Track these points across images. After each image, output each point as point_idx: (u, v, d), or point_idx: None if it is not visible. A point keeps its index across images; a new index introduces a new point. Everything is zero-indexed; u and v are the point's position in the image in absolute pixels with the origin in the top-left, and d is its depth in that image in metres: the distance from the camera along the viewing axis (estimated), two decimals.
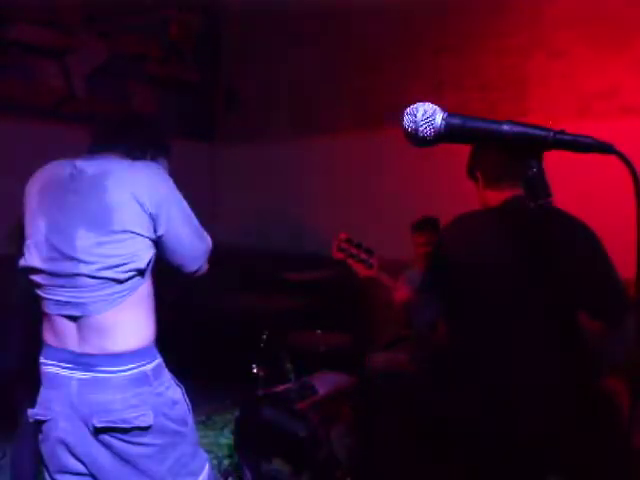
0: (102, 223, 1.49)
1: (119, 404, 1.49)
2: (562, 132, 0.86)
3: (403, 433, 2.64)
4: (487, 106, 3.49)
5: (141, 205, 1.50)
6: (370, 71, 4.23)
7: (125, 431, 1.50)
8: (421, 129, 0.85)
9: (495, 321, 1.57)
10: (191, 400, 1.72)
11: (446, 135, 0.85)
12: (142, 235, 1.52)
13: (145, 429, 1.51)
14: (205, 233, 1.71)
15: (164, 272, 1.65)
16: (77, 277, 1.50)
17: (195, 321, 4.22)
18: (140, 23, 4.83)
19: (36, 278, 1.55)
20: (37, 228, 1.54)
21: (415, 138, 0.85)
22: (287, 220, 4.74)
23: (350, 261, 2.24)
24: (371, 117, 4.21)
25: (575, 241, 1.56)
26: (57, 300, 1.53)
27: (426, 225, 3.22)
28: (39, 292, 1.57)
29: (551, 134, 0.86)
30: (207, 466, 1.69)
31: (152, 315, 1.62)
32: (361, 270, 2.23)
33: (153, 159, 1.72)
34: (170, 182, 1.61)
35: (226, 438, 3.44)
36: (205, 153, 5.38)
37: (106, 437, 1.50)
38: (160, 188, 1.56)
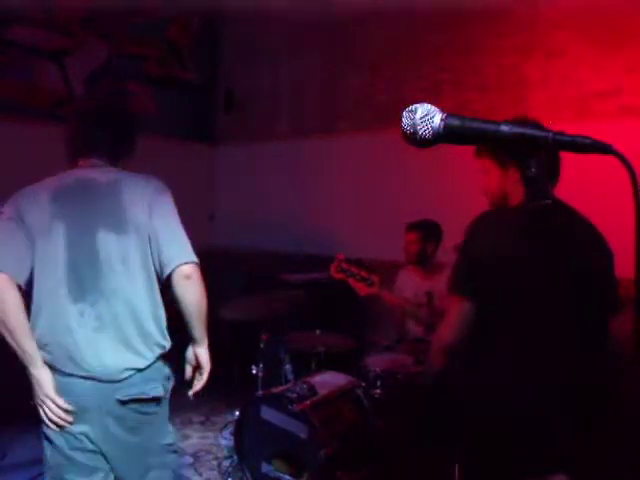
0: (119, 223, 1.71)
1: (139, 378, 1.71)
2: (561, 133, 0.86)
3: (403, 434, 2.64)
4: (486, 106, 3.49)
5: (146, 207, 1.73)
6: (370, 71, 4.23)
7: (142, 402, 1.72)
8: (420, 130, 0.84)
9: (531, 321, 1.54)
10: (191, 401, 1.84)
11: (445, 136, 0.85)
12: (146, 234, 1.72)
13: (157, 400, 1.76)
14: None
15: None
16: (99, 273, 1.68)
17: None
18: (139, 24, 4.83)
19: (59, 274, 1.68)
20: (56, 233, 1.68)
21: (414, 139, 0.85)
22: (287, 220, 4.74)
23: (351, 280, 2.26)
24: (371, 117, 4.21)
25: (594, 240, 1.59)
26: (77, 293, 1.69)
27: (420, 225, 3.22)
28: (59, 289, 1.68)
29: (550, 135, 0.85)
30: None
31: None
32: (362, 288, 2.25)
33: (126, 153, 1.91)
34: (169, 193, 1.83)
35: (226, 439, 3.44)
36: (205, 153, 5.38)
37: (123, 410, 1.69)
38: (162, 195, 1.80)
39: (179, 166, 5.00)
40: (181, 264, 1.70)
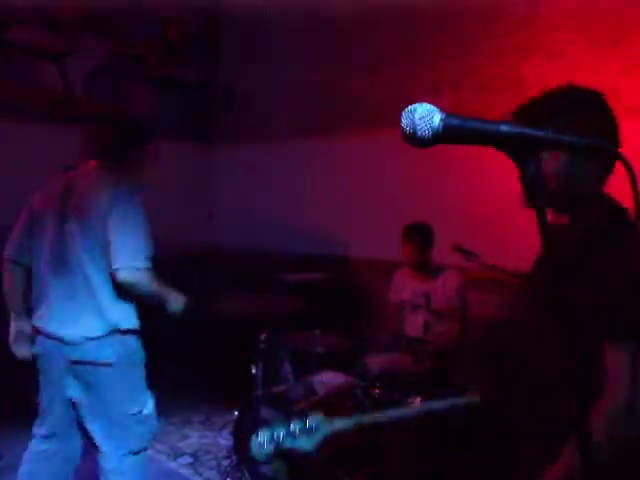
0: (88, 218, 2.08)
1: (91, 345, 2.10)
2: (560, 133, 0.86)
3: (402, 434, 2.64)
4: (485, 107, 3.49)
5: (107, 209, 2.08)
6: (370, 71, 4.24)
7: (94, 365, 2.10)
8: (419, 130, 0.84)
9: None
10: (190, 401, 1.81)
11: (444, 136, 0.84)
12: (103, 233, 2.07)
13: (107, 365, 2.11)
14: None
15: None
16: (71, 259, 2.09)
17: (194, 321, 4.21)
18: (139, 24, 4.83)
19: (46, 256, 2.15)
20: (47, 223, 2.13)
21: (413, 139, 0.85)
22: (286, 220, 4.74)
23: None
24: (371, 117, 4.21)
25: None
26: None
27: (417, 233, 3.20)
28: (45, 268, 2.15)
29: (549, 134, 0.85)
30: None
31: None
32: None
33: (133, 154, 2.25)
34: (133, 198, 2.13)
35: (225, 439, 3.44)
36: (204, 154, 5.38)
37: (77, 369, 2.11)
38: (124, 201, 2.10)
39: (178, 166, 5.00)
40: (119, 268, 2.03)
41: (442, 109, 0.85)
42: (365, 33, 4.26)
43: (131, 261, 2.03)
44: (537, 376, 1.39)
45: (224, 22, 5.43)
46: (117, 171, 2.19)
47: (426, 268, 3.26)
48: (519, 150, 0.87)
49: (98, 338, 2.10)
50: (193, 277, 4.88)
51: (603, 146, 0.85)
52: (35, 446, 2.26)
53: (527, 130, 0.86)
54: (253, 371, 3.18)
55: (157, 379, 2.32)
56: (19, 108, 4.12)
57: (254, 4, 4.97)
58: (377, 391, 2.71)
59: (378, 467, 2.53)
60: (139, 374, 2.24)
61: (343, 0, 4.35)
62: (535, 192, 0.85)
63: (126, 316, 2.17)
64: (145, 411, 2.23)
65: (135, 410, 2.20)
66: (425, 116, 0.84)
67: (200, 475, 3.11)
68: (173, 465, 3.21)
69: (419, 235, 3.19)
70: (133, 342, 2.21)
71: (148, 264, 2.07)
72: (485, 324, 3.21)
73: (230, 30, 5.39)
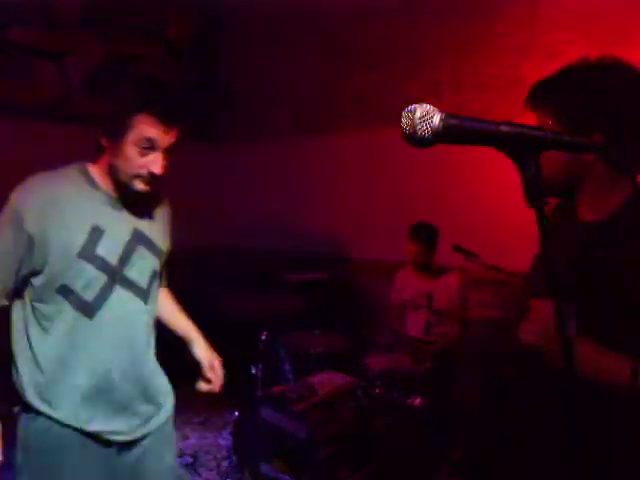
0: None
1: None
2: (560, 133, 0.86)
3: (403, 433, 2.64)
4: (485, 107, 3.49)
5: None
6: (370, 71, 4.24)
7: None
8: (419, 130, 0.84)
9: None
10: (190, 401, 1.77)
11: (444, 136, 0.85)
12: None
13: None
14: None
15: None
16: None
17: (194, 321, 4.21)
18: (139, 24, 4.83)
19: None
20: None
21: (413, 139, 0.85)
22: (287, 220, 4.74)
23: None
24: (371, 117, 4.22)
25: None
26: None
27: (422, 233, 3.20)
28: None
29: (549, 135, 0.86)
30: None
31: None
32: None
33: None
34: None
35: (225, 439, 3.44)
36: (205, 154, 5.38)
37: None
38: None
39: (179, 166, 4.99)
40: None
41: (442, 109, 0.85)
42: (365, 33, 4.26)
43: None
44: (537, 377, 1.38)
45: (224, 22, 5.43)
46: (106, 156, 1.57)
47: (429, 268, 3.26)
48: (519, 150, 0.87)
49: None
50: (193, 277, 4.88)
51: (602, 146, 0.85)
52: None
53: (527, 130, 0.86)
54: (253, 371, 3.18)
55: None
56: (19, 108, 4.12)
57: (254, 4, 4.98)
58: (377, 391, 2.72)
59: (378, 467, 2.53)
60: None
61: (343, 0, 4.35)
62: (535, 192, 0.85)
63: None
64: None
65: None
66: (425, 116, 0.84)
67: (200, 475, 3.11)
68: None
69: (425, 235, 3.19)
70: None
71: None
72: (485, 324, 3.21)
73: (230, 30, 5.39)
